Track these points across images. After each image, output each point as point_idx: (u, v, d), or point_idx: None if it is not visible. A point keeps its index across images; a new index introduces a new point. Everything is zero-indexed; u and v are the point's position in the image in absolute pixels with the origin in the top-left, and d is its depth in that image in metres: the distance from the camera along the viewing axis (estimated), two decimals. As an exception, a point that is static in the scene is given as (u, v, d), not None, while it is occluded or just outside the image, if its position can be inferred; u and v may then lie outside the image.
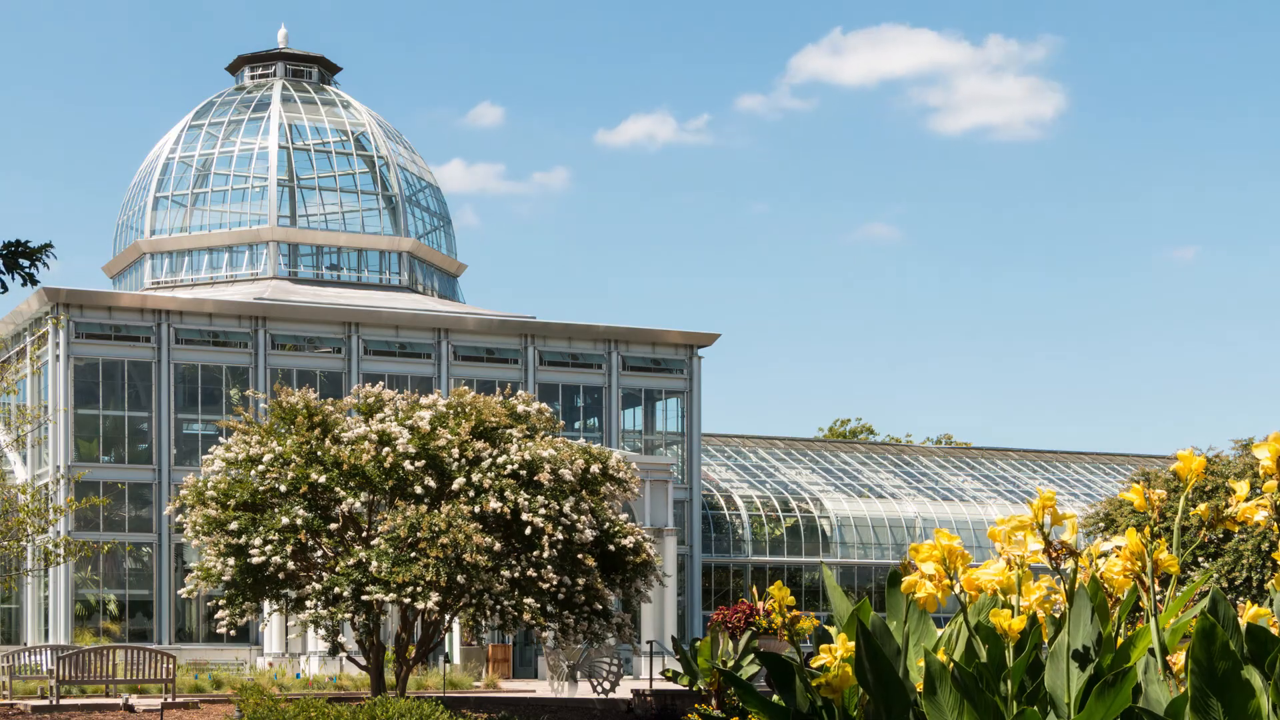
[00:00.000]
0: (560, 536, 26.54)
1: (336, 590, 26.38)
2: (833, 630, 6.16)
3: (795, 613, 6.93)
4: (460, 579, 25.89)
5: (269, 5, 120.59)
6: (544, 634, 28.92)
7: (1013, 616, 5.51)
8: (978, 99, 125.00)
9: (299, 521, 26.48)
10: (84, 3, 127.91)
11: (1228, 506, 5.69)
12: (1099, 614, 5.48)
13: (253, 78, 68.68)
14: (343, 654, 28.96)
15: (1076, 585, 5.49)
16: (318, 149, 66.05)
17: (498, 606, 26.84)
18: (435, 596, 25.75)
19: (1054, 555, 5.48)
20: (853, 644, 5.83)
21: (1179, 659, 5.81)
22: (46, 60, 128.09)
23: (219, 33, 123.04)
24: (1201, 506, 5.64)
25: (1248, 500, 5.62)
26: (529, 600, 26.41)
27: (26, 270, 13.22)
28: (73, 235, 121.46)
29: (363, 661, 29.90)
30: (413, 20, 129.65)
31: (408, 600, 25.98)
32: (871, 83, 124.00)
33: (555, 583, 26.57)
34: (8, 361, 57.03)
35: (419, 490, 26.47)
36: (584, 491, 27.54)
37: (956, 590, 5.62)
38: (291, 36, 69.12)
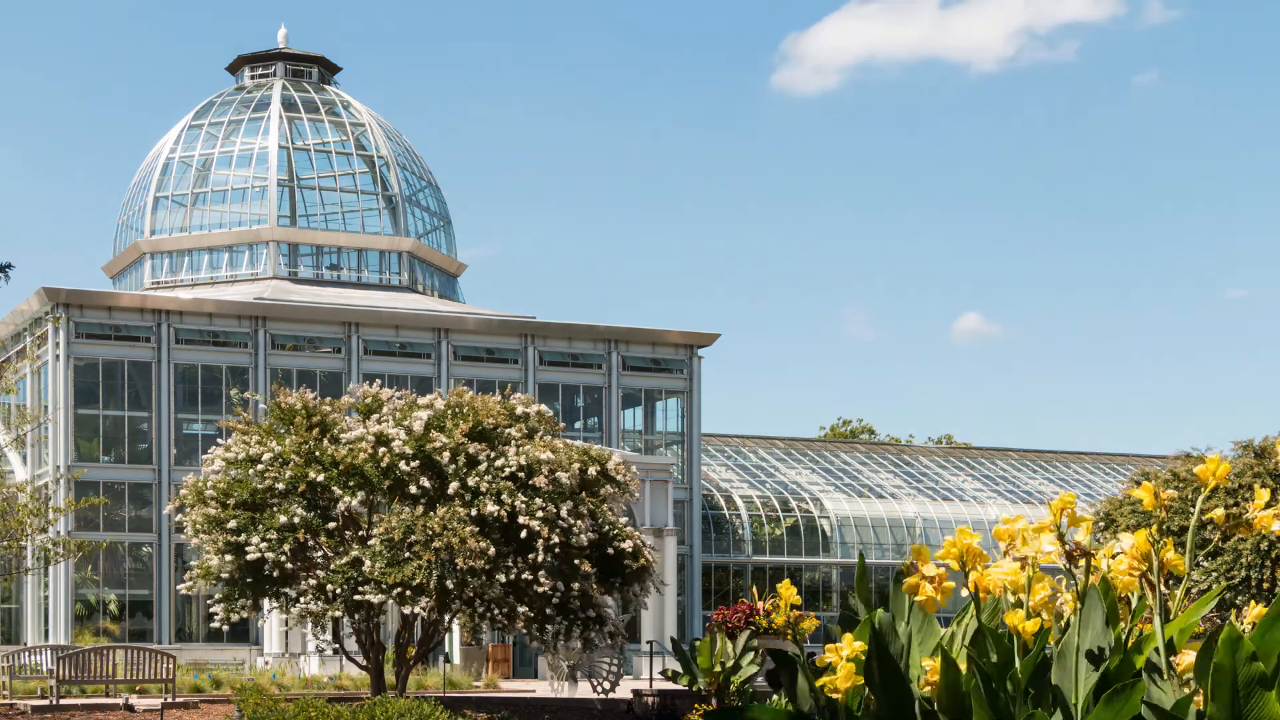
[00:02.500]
0: (557, 540, 26.50)
1: (330, 588, 26.39)
2: (839, 629, 6.16)
3: (797, 613, 6.93)
4: (450, 584, 25.84)
5: (269, 5, 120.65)
6: (537, 639, 28.83)
7: (1024, 617, 5.51)
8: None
9: (297, 520, 26.50)
10: (84, 3, 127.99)
11: (1236, 507, 5.68)
12: (1111, 615, 5.47)
13: (253, 78, 68.67)
14: (342, 654, 28.94)
15: (1088, 586, 5.48)
16: (318, 149, 66.05)
17: (489, 612, 26.82)
18: (424, 600, 25.74)
19: (1071, 556, 5.48)
20: (859, 644, 5.82)
21: (1182, 659, 5.80)
22: (46, 60, 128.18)
23: (219, 33, 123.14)
24: (1218, 511, 5.63)
25: (1266, 508, 5.61)
26: (522, 608, 26.41)
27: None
28: (73, 235, 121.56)
29: (362, 661, 29.89)
30: (413, 20, 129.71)
31: (396, 602, 26.02)
32: (872, 64, 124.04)
33: (550, 587, 26.51)
34: (8, 361, 57.02)
35: (415, 491, 26.48)
36: (583, 494, 27.49)
37: (967, 590, 5.61)
38: (291, 36, 69.17)
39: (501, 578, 26.23)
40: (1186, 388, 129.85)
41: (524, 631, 27.21)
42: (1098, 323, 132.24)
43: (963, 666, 5.58)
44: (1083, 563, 5.46)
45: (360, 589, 26.03)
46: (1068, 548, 5.43)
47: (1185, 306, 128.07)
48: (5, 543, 34.39)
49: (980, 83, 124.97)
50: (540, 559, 26.33)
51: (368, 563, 25.89)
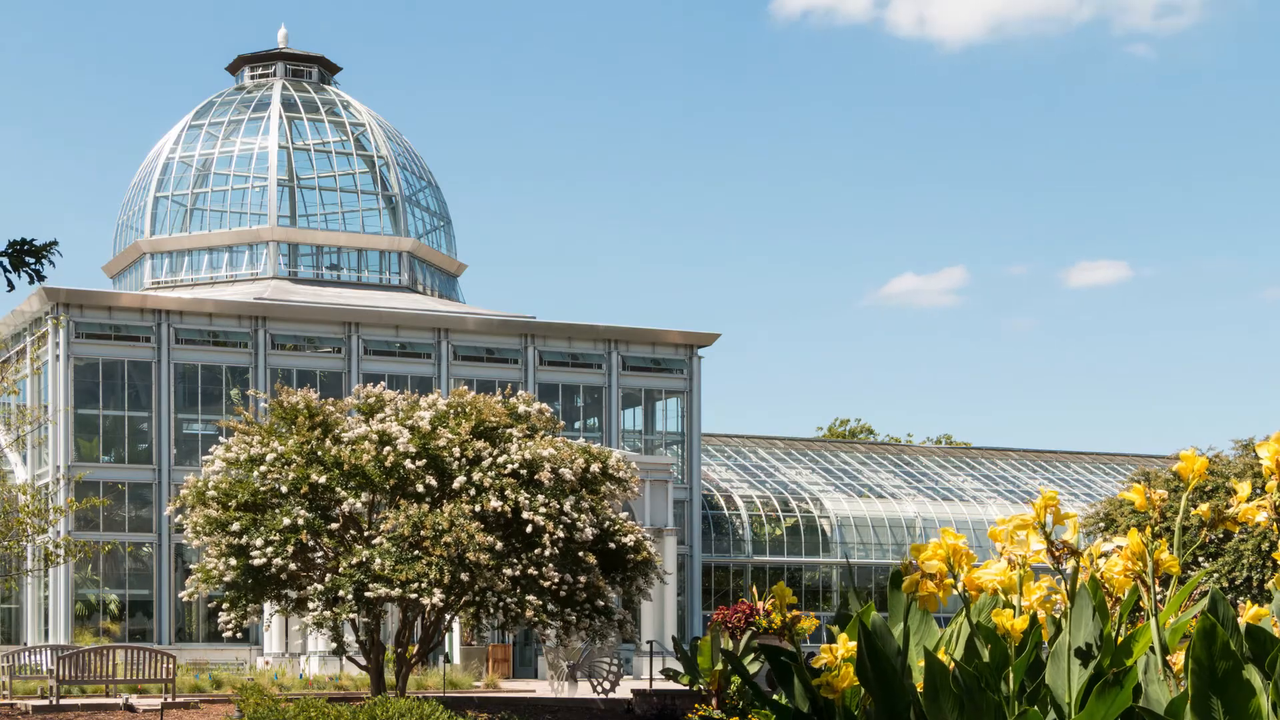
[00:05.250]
0: (561, 535, 26.56)
1: (339, 591, 26.38)
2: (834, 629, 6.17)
3: (795, 612, 6.94)
4: (463, 577, 25.92)
5: (269, 5, 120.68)
6: (546, 632, 28.95)
7: (1014, 616, 5.52)
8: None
9: (300, 522, 26.48)
10: (84, 3, 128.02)
11: (1229, 507, 5.70)
12: (1100, 613, 5.49)
13: (253, 78, 68.69)
14: (343, 654, 28.96)
15: (1078, 585, 5.50)
16: (318, 149, 66.07)
17: (500, 604, 26.88)
18: (439, 593, 25.79)
19: (1056, 555, 5.49)
20: (853, 644, 5.83)
21: (1178, 658, 5.81)
22: (46, 60, 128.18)
23: (219, 33, 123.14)
24: (1203, 507, 5.66)
25: (1249, 501, 5.63)
26: (531, 598, 26.43)
27: (33, 268, 13.26)
28: (73, 235, 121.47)
29: (363, 661, 29.90)
30: (412, 20, 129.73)
31: (413, 596, 25.98)
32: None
33: (556, 580, 26.60)
34: (8, 361, 57.02)
35: (420, 489, 26.49)
36: (584, 490, 27.57)
37: (958, 590, 5.63)
38: (291, 36, 69.19)
39: (509, 572, 26.28)
40: (1187, 387, 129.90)
41: (533, 623, 27.24)
42: (1097, 321, 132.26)
43: (952, 667, 5.59)
44: (1071, 562, 5.48)
45: (370, 587, 26.03)
46: (1055, 547, 5.45)
47: (1185, 304, 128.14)
48: (6, 543, 34.42)
49: (968, 72, 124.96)
50: (546, 553, 26.39)
51: (378, 561, 25.89)
